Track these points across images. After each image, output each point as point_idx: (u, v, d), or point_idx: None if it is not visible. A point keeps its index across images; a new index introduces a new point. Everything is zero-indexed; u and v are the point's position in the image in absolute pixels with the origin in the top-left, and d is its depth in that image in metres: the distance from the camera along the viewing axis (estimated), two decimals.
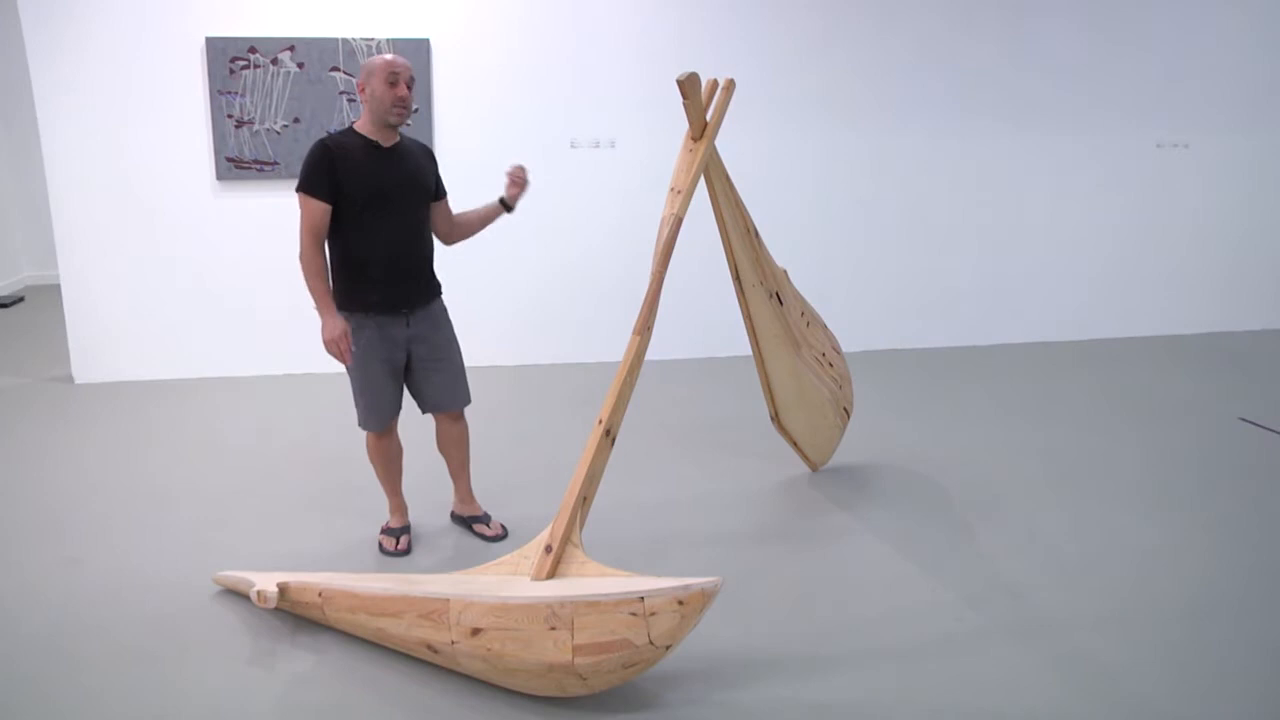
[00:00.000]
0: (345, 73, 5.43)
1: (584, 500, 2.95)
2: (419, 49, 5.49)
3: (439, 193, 3.58)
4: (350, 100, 5.47)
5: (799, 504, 4.10)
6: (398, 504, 3.74)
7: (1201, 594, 3.35)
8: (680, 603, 2.49)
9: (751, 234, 3.74)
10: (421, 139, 5.60)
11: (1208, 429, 4.99)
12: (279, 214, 5.61)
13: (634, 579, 2.64)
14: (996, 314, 6.68)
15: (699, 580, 2.50)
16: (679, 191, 3.34)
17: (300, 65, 5.38)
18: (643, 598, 2.50)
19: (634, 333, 3.16)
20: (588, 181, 5.87)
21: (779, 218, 5.85)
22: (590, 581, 2.71)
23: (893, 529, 3.86)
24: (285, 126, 5.45)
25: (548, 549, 2.83)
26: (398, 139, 3.39)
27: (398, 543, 3.64)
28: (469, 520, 3.84)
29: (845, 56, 6.03)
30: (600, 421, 3.02)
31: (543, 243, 5.92)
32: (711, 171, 3.51)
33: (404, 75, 3.26)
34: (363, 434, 4.75)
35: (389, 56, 3.28)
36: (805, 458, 4.33)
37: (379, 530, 3.76)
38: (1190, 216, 6.84)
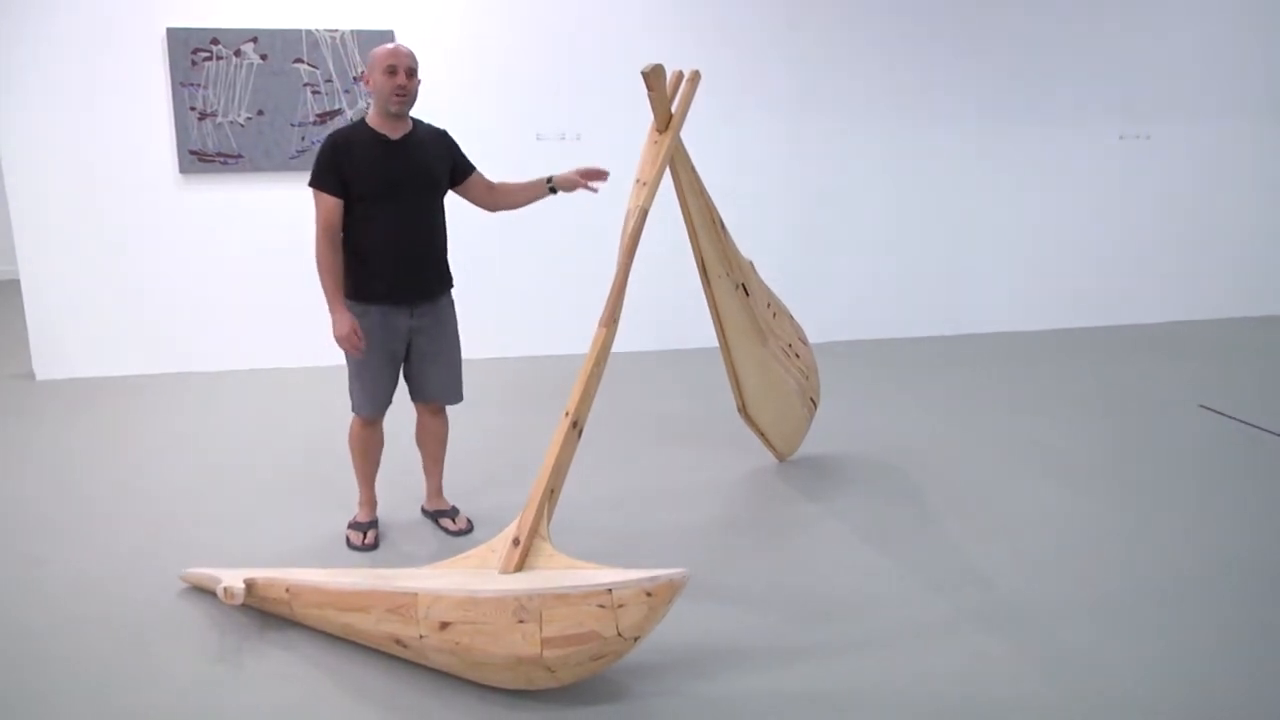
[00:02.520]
0: (309, 64, 5.38)
1: (551, 493, 2.96)
2: (383, 40, 5.44)
3: (466, 169, 3.58)
4: (315, 92, 5.42)
5: (767, 494, 4.13)
6: (368, 496, 3.73)
7: (1168, 580, 3.41)
8: (648, 594, 2.50)
9: (717, 225, 3.75)
10: None
11: (1170, 417, 5.07)
12: (243, 208, 5.56)
13: (602, 571, 2.65)
14: (961, 305, 6.75)
15: (667, 571, 2.52)
16: (644, 184, 3.34)
17: (264, 57, 5.33)
18: (611, 589, 2.51)
19: (600, 325, 3.16)
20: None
21: (745, 209, 5.87)
22: (558, 574, 2.71)
23: (860, 519, 3.89)
24: (249, 119, 5.39)
25: (515, 542, 2.83)
26: (409, 129, 3.39)
27: (365, 537, 3.63)
28: (436, 515, 3.84)
29: (810, 50, 6.05)
30: (567, 414, 3.02)
31: (507, 236, 5.90)
32: (677, 163, 3.52)
33: (403, 64, 3.27)
34: (334, 428, 4.74)
35: (390, 46, 3.29)
36: (772, 448, 4.35)
37: (346, 525, 3.74)
38: (1152, 207, 6.93)
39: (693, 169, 3.61)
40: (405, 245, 3.38)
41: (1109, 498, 4.09)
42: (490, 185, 3.67)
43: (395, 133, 3.34)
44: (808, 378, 4.26)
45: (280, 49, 5.33)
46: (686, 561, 3.34)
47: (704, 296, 3.82)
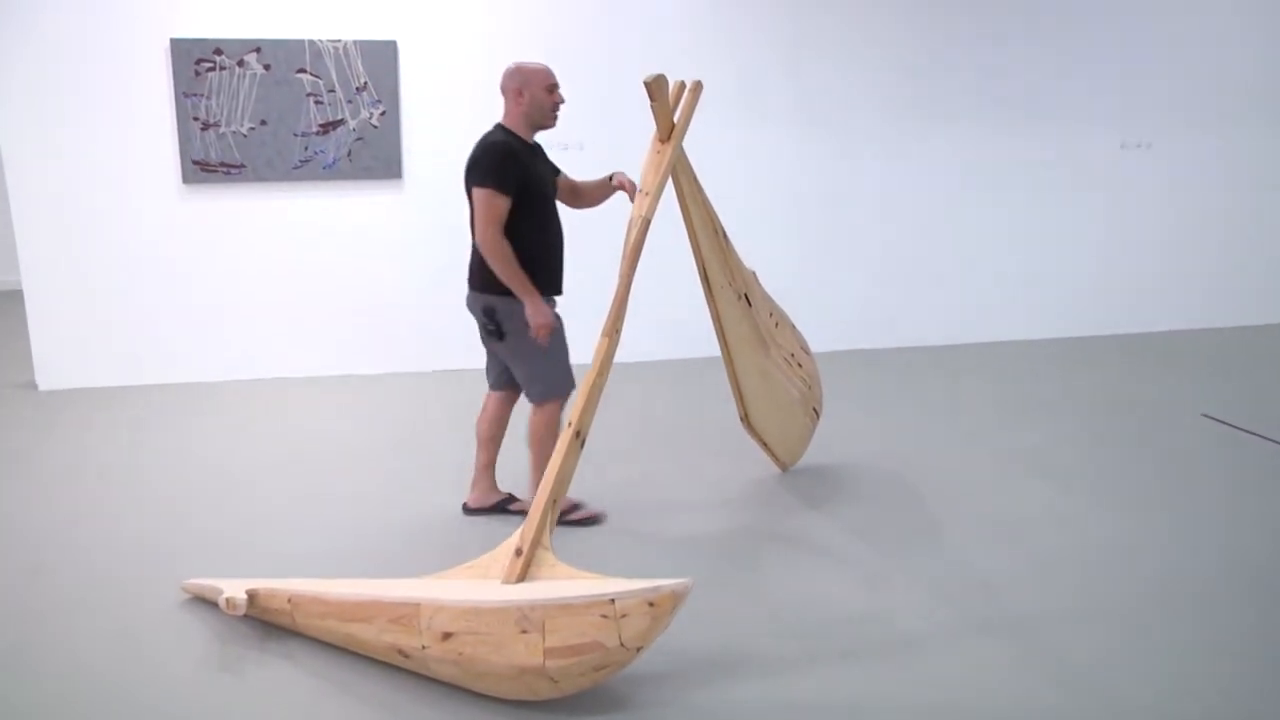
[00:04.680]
0: (312, 74, 5.39)
1: (554, 503, 2.96)
2: (386, 51, 5.46)
3: (556, 171, 3.80)
4: (317, 103, 5.43)
5: (769, 504, 4.12)
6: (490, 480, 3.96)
7: (1170, 588, 3.40)
8: (651, 604, 2.50)
9: (720, 235, 3.75)
10: (389, 141, 5.59)
11: (1173, 426, 5.06)
12: (246, 218, 5.57)
13: (605, 581, 2.65)
14: (963, 313, 6.74)
15: (669, 582, 2.52)
16: (647, 193, 3.35)
17: (267, 67, 5.34)
18: (613, 600, 2.51)
19: (603, 335, 3.17)
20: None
21: (748, 219, 5.86)
22: (561, 584, 2.71)
23: (862, 528, 3.88)
24: (252, 129, 5.40)
25: (518, 552, 2.83)
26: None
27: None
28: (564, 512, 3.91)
29: (815, 59, 6.06)
30: (570, 424, 3.03)
31: None
32: (679, 173, 3.53)
33: (558, 83, 3.56)
34: (336, 438, 4.74)
35: (542, 64, 3.55)
36: (775, 458, 4.35)
37: (503, 505, 3.92)
38: (1154, 216, 6.93)
39: (694, 178, 3.63)
40: (553, 241, 3.66)
41: (1113, 506, 4.08)
42: (573, 186, 3.87)
43: (530, 140, 3.62)
44: (810, 387, 4.26)
45: (283, 59, 5.35)
46: (689, 571, 3.32)
47: (706, 306, 3.82)
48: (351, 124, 5.52)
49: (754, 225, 5.98)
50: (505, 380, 3.88)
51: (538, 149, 3.67)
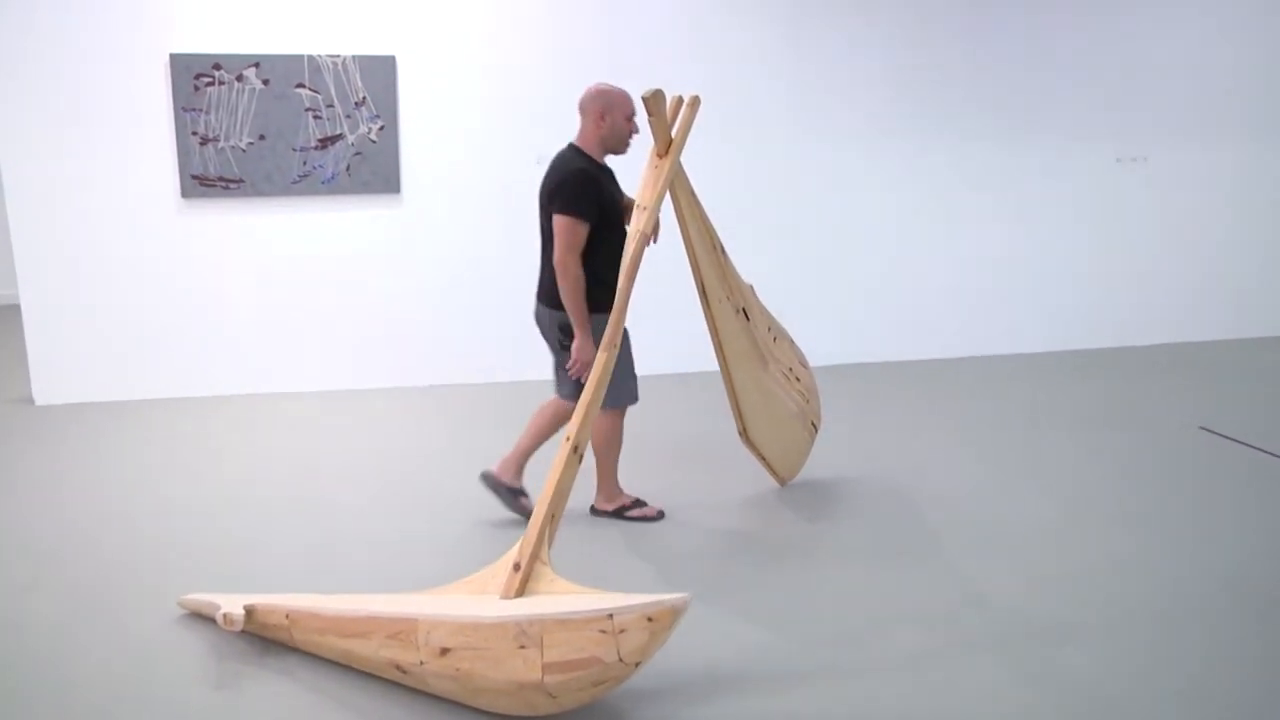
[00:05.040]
0: (311, 89, 5.41)
1: (552, 518, 2.95)
2: (385, 66, 5.48)
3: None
4: (316, 117, 5.44)
5: (767, 518, 4.12)
6: (617, 484, 4.04)
7: (1169, 602, 3.40)
8: (650, 619, 2.48)
9: (717, 249, 3.76)
10: (387, 156, 5.60)
11: (1171, 438, 5.06)
12: (245, 232, 5.57)
13: (603, 596, 2.64)
14: (960, 327, 6.74)
15: (668, 596, 2.50)
16: (644, 208, 3.36)
17: (265, 82, 5.36)
18: (612, 615, 2.49)
19: (601, 349, 3.17)
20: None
21: (745, 233, 5.88)
22: (559, 599, 2.70)
23: (861, 542, 3.88)
24: (251, 144, 5.41)
25: (516, 566, 2.82)
26: None
27: (649, 507, 4.04)
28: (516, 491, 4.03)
29: (810, 74, 6.08)
30: (568, 438, 3.03)
31: (509, 260, 5.90)
32: (677, 188, 3.54)
33: (636, 111, 3.64)
34: (334, 452, 4.74)
35: (625, 91, 3.65)
36: (773, 472, 4.35)
37: (623, 511, 4.01)
38: (1150, 229, 6.94)
39: (693, 193, 3.63)
40: (616, 258, 3.62)
41: (1111, 519, 4.08)
42: (630, 205, 3.89)
43: (601, 162, 3.72)
44: (808, 401, 4.26)
45: (282, 74, 5.36)
46: (688, 586, 3.33)
47: (704, 320, 3.83)
48: (350, 139, 5.53)
49: (751, 239, 6.00)
50: (577, 393, 3.92)
51: (609, 171, 3.75)
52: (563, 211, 3.54)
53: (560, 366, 3.86)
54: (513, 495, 3.97)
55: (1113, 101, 6.62)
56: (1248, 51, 6.79)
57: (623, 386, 3.80)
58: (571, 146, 3.70)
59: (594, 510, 4.07)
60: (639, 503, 4.06)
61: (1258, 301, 7.27)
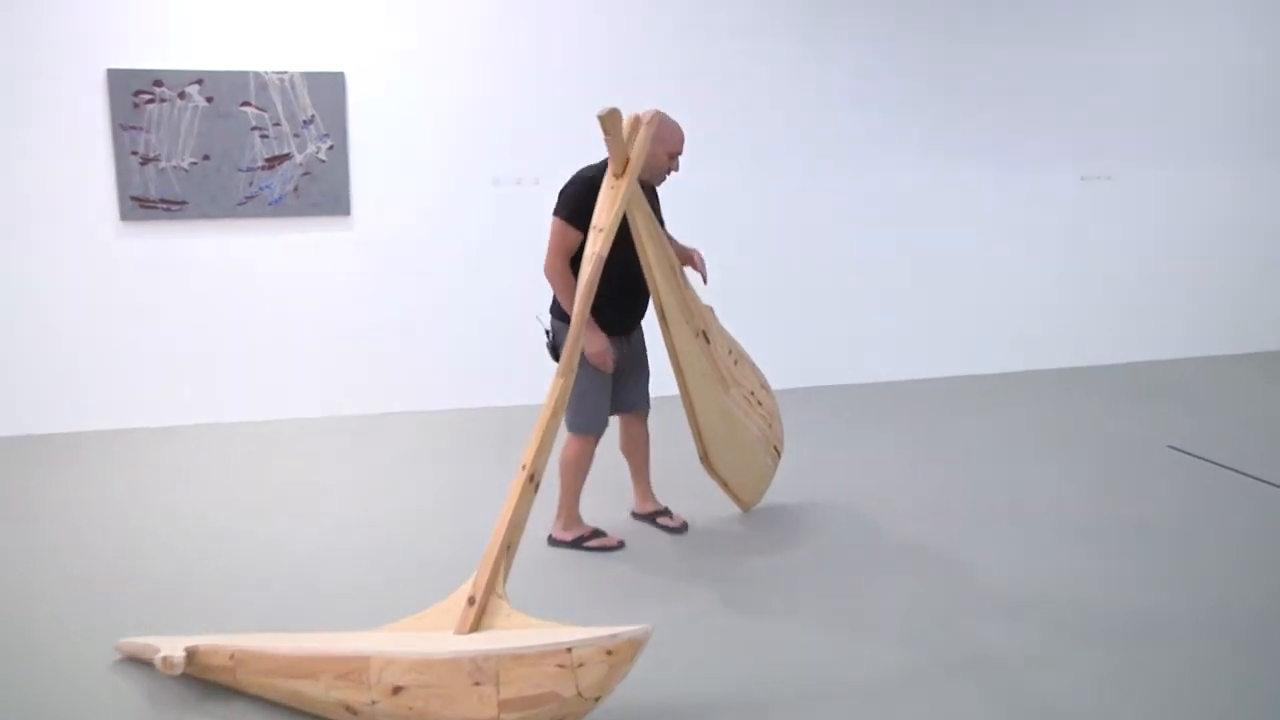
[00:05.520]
0: (257, 107, 5.28)
1: (508, 548, 2.87)
2: (334, 83, 5.37)
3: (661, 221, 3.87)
4: (263, 136, 5.31)
5: (731, 546, 4.05)
6: (577, 514, 3.98)
7: (1139, 623, 3.38)
8: (609, 652, 2.43)
9: (676, 271, 3.70)
10: (337, 176, 5.48)
11: (1139, 458, 5.07)
12: (189, 255, 5.41)
13: (561, 629, 2.58)
14: (926, 348, 6.75)
15: (628, 629, 2.46)
16: (601, 229, 3.29)
17: (209, 99, 5.22)
18: (570, 648, 2.44)
19: (557, 375, 3.09)
20: (510, 220, 5.79)
21: (705, 255, 5.84)
22: (515, 633, 2.64)
23: (826, 568, 3.82)
24: (194, 164, 5.26)
25: (471, 600, 2.75)
26: None
27: (606, 537, 3.97)
28: (653, 515, 4.17)
29: (772, 93, 6.07)
30: (523, 467, 2.95)
31: (464, 283, 5.81)
32: (634, 208, 3.47)
33: (682, 152, 3.68)
34: (278, 485, 4.59)
35: (680, 129, 3.64)
36: (735, 498, 4.28)
37: (581, 541, 3.94)
38: (1116, 248, 7.00)
39: (650, 214, 3.57)
40: (629, 286, 3.66)
41: (1080, 541, 4.07)
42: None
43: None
44: (771, 425, 4.20)
45: (226, 91, 5.23)
46: (648, 617, 3.23)
47: (663, 343, 3.76)
48: (298, 158, 5.41)
49: (711, 261, 5.96)
50: (621, 405, 3.97)
51: (650, 190, 3.72)
52: (556, 212, 3.61)
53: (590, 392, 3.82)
54: (653, 519, 4.17)
55: (1078, 121, 6.69)
56: (1214, 71, 6.91)
57: (594, 416, 3.83)
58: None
59: (552, 540, 3.97)
60: (598, 533, 3.97)
61: (1224, 319, 7.37)
